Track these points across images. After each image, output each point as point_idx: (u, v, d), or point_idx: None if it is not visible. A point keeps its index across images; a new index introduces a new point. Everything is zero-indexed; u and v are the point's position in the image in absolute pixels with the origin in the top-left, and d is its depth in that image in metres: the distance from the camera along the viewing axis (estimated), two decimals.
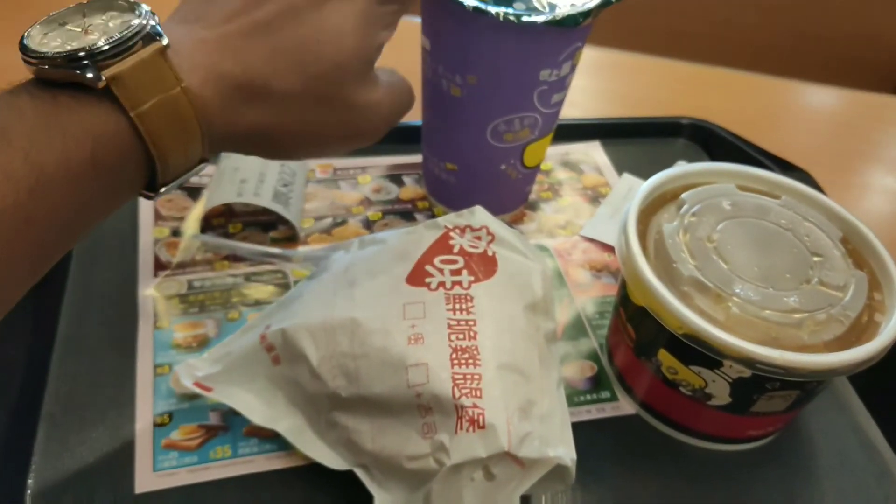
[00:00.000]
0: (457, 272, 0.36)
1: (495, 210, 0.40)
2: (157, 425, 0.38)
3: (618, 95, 0.72)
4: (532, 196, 0.54)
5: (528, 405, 0.33)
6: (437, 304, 0.34)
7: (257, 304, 0.44)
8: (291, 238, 0.49)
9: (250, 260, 0.47)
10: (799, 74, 0.77)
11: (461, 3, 0.39)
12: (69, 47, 0.25)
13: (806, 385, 0.36)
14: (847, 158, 0.68)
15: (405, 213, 0.52)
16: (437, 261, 0.36)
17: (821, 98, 0.78)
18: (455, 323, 0.34)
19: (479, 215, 0.38)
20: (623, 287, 0.40)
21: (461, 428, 0.31)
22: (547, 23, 0.39)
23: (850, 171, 0.67)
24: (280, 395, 0.36)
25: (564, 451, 0.32)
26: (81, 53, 0.25)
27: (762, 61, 0.81)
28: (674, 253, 0.37)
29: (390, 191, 0.54)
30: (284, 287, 0.45)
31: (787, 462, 0.40)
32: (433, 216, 0.51)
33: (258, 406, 0.36)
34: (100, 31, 0.26)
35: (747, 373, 0.34)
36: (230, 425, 0.38)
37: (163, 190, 0.29)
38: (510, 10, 0.39)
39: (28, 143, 0.24)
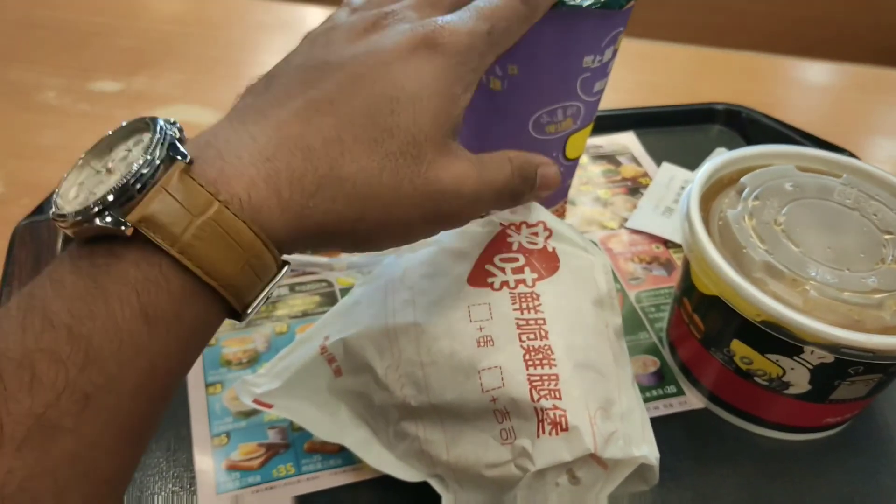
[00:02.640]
0: (519, 270, 0.34)
1: None
2: (215, 446, 0.36)
3: (643, 84, 0.71)
4: (571, 190, 0.53)
5: (608, 404, 0.31)
6: (503, 304, 0.33)
7: (304, 315, 0.43)
8: None
9: (293, 270, 0.46)
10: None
11: None
12: (88, 199, 0.22)
13: (890, 368, 0.34)
14: (882, 134, 0.67)
15: None
16: (497, 259, 0.35)
17: (847, 76, 0.77)
18: (524, 323, 0.32)
19: (535, 211, 0.37)
20: (686, 277, 0.39)
21: (543, 431, 0.30)
22: (591, 6, 0.38)
23: (889, 146, 0.66)
24: (343, 407, 0.35)
25: (648, 450, 0.31)
26: (97, 207, 0.22)
27: (774, 48, 0.80)
28: (742, 238, 0.36)
29: None
30: (330, 296, 0.44)
31: (866, 449, 0.39)
32: None
33: (322, 420, 0.35)
34: (123, 166, 0.23)
35: (830, 358, 0.33)
36: (291, 442, 0.37)
37: (250, 311, 0.25)
38: None
39: (69, 317, 0.21)
